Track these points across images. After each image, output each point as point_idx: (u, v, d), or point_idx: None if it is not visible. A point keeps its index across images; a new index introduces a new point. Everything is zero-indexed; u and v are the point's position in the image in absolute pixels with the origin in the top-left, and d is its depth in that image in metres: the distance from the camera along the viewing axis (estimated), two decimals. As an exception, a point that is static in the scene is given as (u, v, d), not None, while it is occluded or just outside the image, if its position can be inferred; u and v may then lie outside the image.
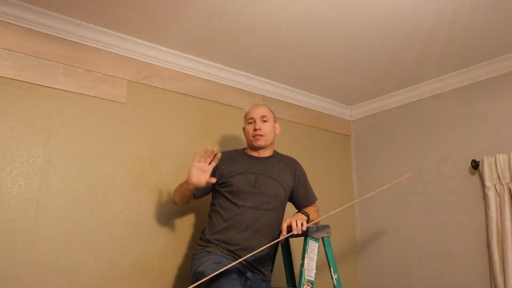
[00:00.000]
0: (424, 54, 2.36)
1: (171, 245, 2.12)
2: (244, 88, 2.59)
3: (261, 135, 1.95)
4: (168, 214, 2.14)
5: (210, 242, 1.82)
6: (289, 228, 1.75)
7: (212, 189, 1.96)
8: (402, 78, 2.68)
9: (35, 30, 1.88)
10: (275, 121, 2.03)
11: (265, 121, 1.97)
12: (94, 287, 1.85)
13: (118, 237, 1.96)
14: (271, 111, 2.03)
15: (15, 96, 1.80)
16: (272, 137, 1.99)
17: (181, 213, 2.19)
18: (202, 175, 1.76)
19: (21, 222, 1.72)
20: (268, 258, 1.92)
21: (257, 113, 1.98)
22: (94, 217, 1.91)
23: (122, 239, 1.96)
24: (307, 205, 2.03)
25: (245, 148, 2.06)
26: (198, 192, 1.92)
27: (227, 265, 1.59)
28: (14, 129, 1.78)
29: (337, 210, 1.90)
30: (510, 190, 2.25)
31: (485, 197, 2.36)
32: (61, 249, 1.80)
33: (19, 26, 1.85)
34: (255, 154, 2.00)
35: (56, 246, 1.78)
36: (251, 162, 1.96)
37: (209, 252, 1.78)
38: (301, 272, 1.77)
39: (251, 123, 1.98)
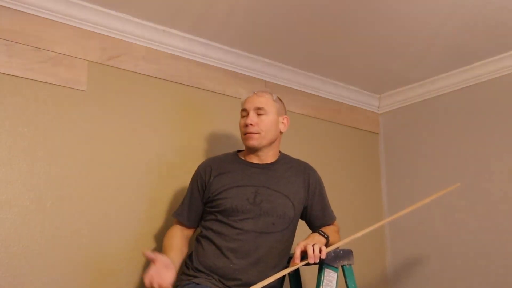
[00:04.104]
0: (480, 29, 2.34)
1: (141, 247, 2.14)
2: (241, 72, 2.60)
3: (252, 132, 1.92)
4: (139, 219, 2.17)
5: (199, 271, 1.82)
6: (303, 254, 1.74)
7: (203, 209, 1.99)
8: (450, 57, 2.67)
9: (-35, -4, 1.88)
10: (281, 114, 2.00)
11: (260, 114, 1.94)
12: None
13: (81, 238, 2.00)
14: (275, 101, 1.99)
15: None
16: (271, 135, 1.95)
17: (155, 214, 2.23)
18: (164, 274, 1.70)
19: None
20: (273, 292, 1.89)
21: (252, 103, 1.96)
22: (45, 240, 1.92)
23: (84, 240, 2.01)
24: (324, 224, 2.02)
25: (240, 152, 2.06)
26: (192, 221, 1.98)
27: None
28: None
29: (363, 232, 1.88)
30: None
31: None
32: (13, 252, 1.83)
33: None
34: (254, 159, 1.98)
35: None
36: (248, 170, 1.95)
37: (197, 284, 1.77)
38: (315, 310, 1.77)
39: (244, 116, 1.97)
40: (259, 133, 1.92)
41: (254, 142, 1.92)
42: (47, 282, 1.90)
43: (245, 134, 1.94)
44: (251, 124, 1.91)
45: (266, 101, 1.96)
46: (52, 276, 1.91)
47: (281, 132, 2.01)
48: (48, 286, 1.90)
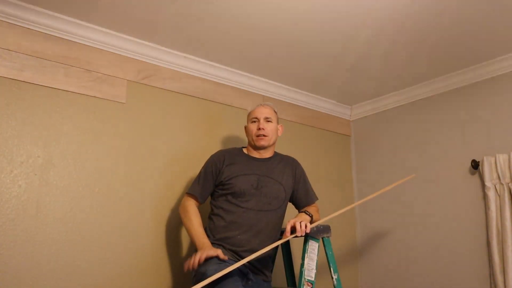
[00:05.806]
0: (423, 55, 2.38)
1: (171, 244, 2.13)
2: (244, 88, 2.60)
3: (264, 135, 1.96)
4: (167, 214, 2.15)
5: (213, 243, 1.80)
6: (292, 229, 1.76)
7: (213, 191, 1.98)
8: (402, 78, 2.70)
9: (35, 30, 1.90)
10: (277, 123, 2.05)
11: (268, 121, 1.99)
12: (94, 287, 1.86)
13: (118, 237, 1.98)
14: (275, 112, 2.04)
15: (15, 96, 1.82)
16: (274, 138, 2.01)
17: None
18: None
19: (21, 222, 1.74)
20: (269, 258, 1.93)
21: (261, 113, 1.99)
22: (94, 217, 1.93)
23: (122, 239, 1.98)
24: (307, 205, 2.03)
25: (244, 148, 2.06)
26: (203, 198, 1.94)
27: (229, 266, 1.58)
28: (14, 129, 1.80)
29: (338, 212, 1.92)
30: (510, 190, 2.27)
31: (485, 197, 2.38)
32: (61, 249, 1.81)
33: (19, 26, 1.86)
34: (256, 155, 2.00)
35: (56, 246, 1.80)
36: (252, 163, 1.97)
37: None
38: (301, 272, 1.78)
39: (255, 122, 1.99)
40: (267, 136, 1.97)
41: (264, 142, 1.96)
42: (98, 250, 1.91)
43: (257, 136, 1.96)
44: (263, 129, 1.95)
45: (271, 112, 2.02)
46: (100, 244, 1.92)
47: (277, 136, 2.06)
48: (101, 250, 1.92)
